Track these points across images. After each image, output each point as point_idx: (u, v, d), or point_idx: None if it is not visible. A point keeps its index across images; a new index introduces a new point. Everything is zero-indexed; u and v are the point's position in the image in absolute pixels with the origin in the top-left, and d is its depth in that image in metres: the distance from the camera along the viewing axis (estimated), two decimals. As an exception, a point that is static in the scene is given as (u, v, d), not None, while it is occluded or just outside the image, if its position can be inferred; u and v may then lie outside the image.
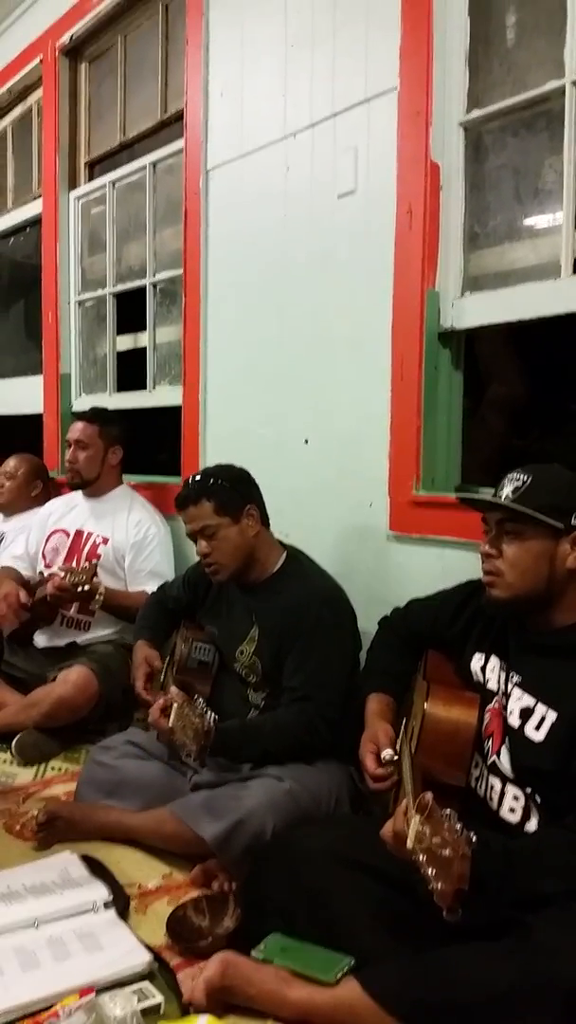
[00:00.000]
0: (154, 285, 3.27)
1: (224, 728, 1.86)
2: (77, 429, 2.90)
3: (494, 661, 1.61)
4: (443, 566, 2.08)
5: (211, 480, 2.07)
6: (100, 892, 1.68)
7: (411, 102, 2.11)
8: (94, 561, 2.63)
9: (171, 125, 3.20)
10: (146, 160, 3.27)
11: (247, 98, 2.65)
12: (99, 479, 2.91)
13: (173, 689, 1.93)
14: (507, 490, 1.50)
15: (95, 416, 2.94)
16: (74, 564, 2.70)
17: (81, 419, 2.93)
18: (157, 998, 1.38)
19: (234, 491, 2.06)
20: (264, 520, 2.11)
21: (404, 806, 1.32)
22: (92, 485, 2.92)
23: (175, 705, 1.83)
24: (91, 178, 3.74)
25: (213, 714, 1.82)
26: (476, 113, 2.05)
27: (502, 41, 2.03)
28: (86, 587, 2.50)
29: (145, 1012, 1.31)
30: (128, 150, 3.52)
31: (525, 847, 1.40)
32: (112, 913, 1.62)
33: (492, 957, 1.25)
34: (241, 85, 2.67)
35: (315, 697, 1.93)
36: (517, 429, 3.41)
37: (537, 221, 2.00)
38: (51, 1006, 1.34)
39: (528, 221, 2.02)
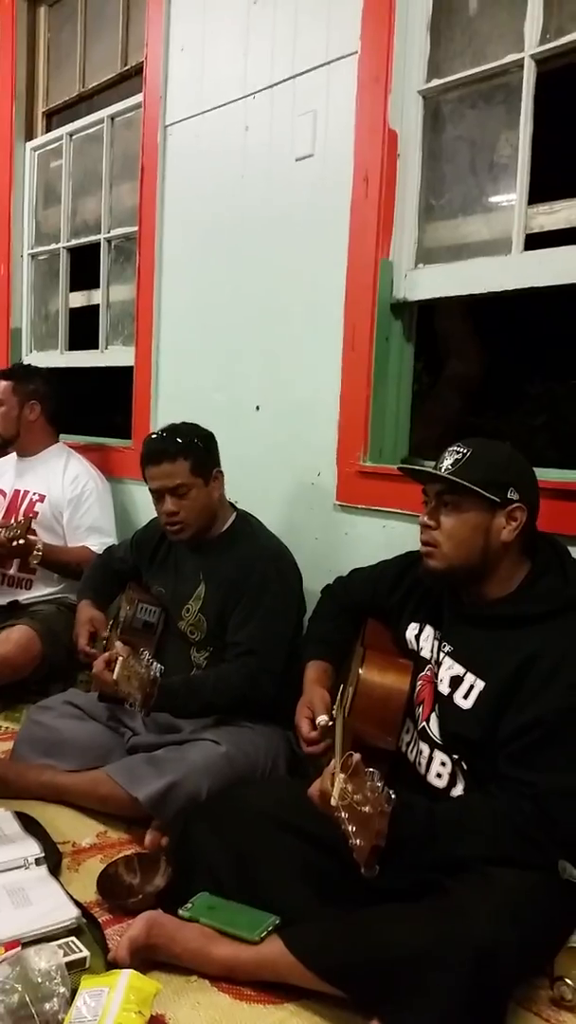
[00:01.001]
0: (108, 241, 3.22)
1: (168, 683, 1.86)
2: None
3: (428, 630, 1.64)
4: (387, 536, 2.10)
5: (188, 438, 2.04)
6: (32, 848, 1.68)
7: (371, 67, 2.09)
8: (29, 516, 2.60)
9: (131, 78, 3.13)
10: (104, 113, 3.20)
11: (208, 55, 2.60)
12: (21, 436, 2.86)
13: (118, 644, 1.92)
14: (447, 462, 1.52)
15: (11, 372, 2.89)
16: (11, 521, 2.67)
17: (0, 376, 2.88)
18: (83, 953, 1.40)
19: (207, 453, 2.06)
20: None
21: (332, 766, 1.35)
22: (19, 443, 2.87)
23: (120, 658, 1.82)
24: (48, 129, 3.65)
25: (159, 665, 1.82)
26: (436, 82, 2.04)
27: (464, 10, 2.01)
28: (21, 541, 2.47)
29: (70, 966, 1.33)
30: (87, 102, 3.44)
31: (448, 811, 1.44)
32: (43, 869, 1.63)
33: (409, 918, 1.29)
34: (202, 41, 2.61)
35: (259, 651, 1.95)
36: (473, 407, 3.44)
37: (491, 196, 2.00)
38: (-24, 960, 1.35)
39: (482, 195, 2.02)
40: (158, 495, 2.05)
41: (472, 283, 1.99)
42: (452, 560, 1.52)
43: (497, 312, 2.89)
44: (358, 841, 1.21)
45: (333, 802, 1.26)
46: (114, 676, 1.81)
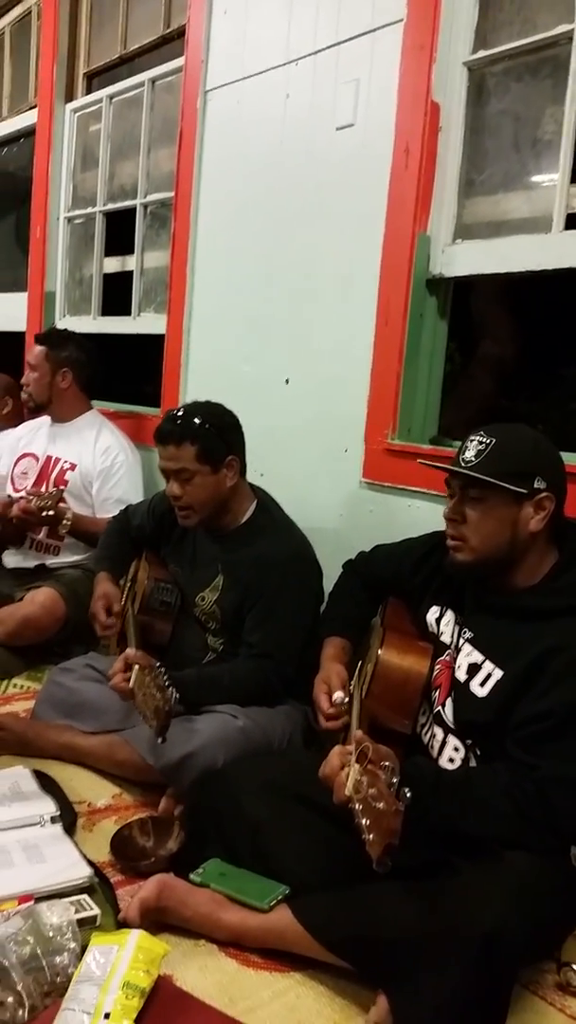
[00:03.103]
0: (145, 206, 3.20)
1: (183, 680, 1.84)
2: (30, 352, 2.87)
3: (449, 615, 1.63)
4: (412, 516, 2.09)
5: (199, 422, 1.95)
6: (48, 807, 1.71)
7: (417, 36, 2.04)
8: (60, 487, 2.62)
9: (173, 41, 3.10)
10: (145, 76, 3.17)
11: (251, 19, 2.56)
12: (52, 403, 2.86)
13: (131, 651, 1.89)
14: (470, 453, 1.48)
15: (45, 337, 2.89)
16: (42, 489, 2.68)
17: (36, 341, 2.89)
18: (94, 911, 1.42)
19: (220, 439, 1.97)
20: (242, 470, 2.05)
21: (341, 748, 1.36)
22: (50, 409, 2.88)
23: (136, 669, 1.79)
24: (89, 91, 3.62)
25: (174, 691, 1.75)
26: (482, 53, 1.99)
27: (515, -22, 1.96)
28: (51, 512, 2.49)
29: (81, 923, 1.35)
30: (128, 64, 3.41)
31: (455, 777, 1.46)
32: (58, 828, 1.66)
33: (420, 897, 1.30)
34: (246, 5, 2.57)
35: (274, 656, 1.94)
36: (505, 389, 3.39)
37: (533, 172, 1.96)
38: (-9, 911, 1.38)
39: (524, 171, 1.98)
40: (164, 475, 2.01)
41: (510, 261, 1.95)
42: (480, 553, 1.50)
43: (533, 293, 2.83)
44: (371, 836, 1.20)
45: (347, 792, 1.26)
46: (130, 685, 1.79)
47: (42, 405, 2.87)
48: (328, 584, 2.01)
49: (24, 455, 2.93)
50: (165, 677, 1.75)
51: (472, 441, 1.49)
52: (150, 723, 1.73)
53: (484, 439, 1.48)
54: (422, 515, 2.05)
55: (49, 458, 2.87)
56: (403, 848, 1.30)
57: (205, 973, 1.36)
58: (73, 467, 2.80)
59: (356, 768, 1.27)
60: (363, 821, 1.22)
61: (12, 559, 2.83)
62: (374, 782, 1.24)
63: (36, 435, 2.96)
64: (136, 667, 1.79)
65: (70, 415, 2.89)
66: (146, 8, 3.28)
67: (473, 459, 1.47)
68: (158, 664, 1.81)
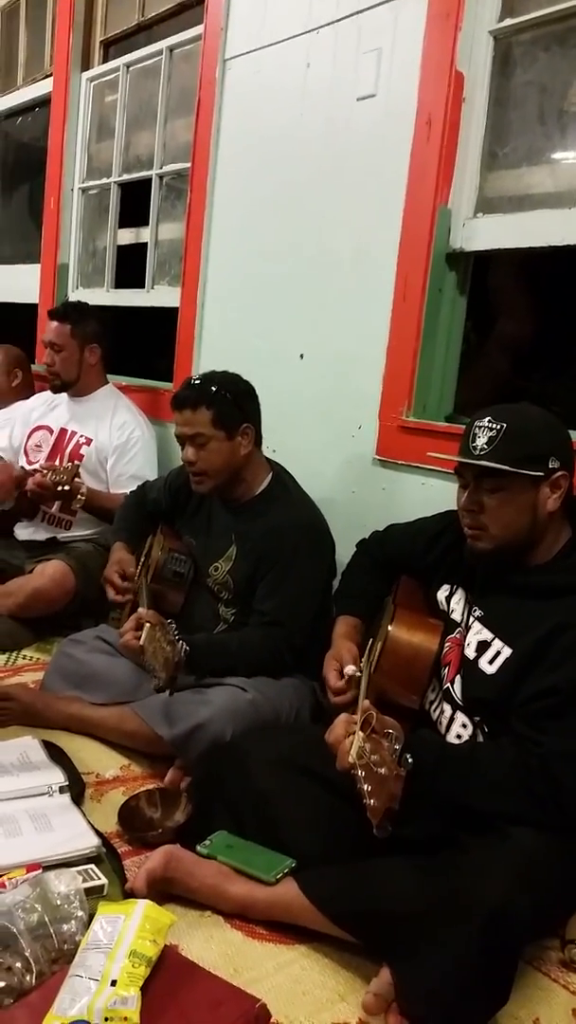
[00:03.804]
0: (160, 177, 3.17)
1: (192, 642, 1.86)
2: (51, 330, 2.79)
3: (460, 594, 1.62)
4: (425, 494, 2.07)
5: (215, 388, 1.97)
6: (56, 777, 1.72)
7: (442, 3, 2.00)
8: (76, 462, 2.61)
9: (191, 8, 3.05)
10: (163, 44, 3.12)
11: (272, -15, 2.51)
12: (79, 380, 2.84)
13: (143, 610, 1.91)
14: (481, 440, 1.44)
15: (67, 314, 2.81)
16: (57, 463, 2.67)
17: (53, 318, 2.81)
18: (101, 880, 1.43)
19: (236, 406, 1.99)
20: (257, 440, 2.06)
21: (347, 716, 1.37)
22: (74, 386, 2.86)
23: (147, 626, 1.80)
24: (105, 59, 3.58)
25: (184, 644, 1.80)
26: (508, 21, 1.95)
27: (544, -57, 1.92)
28: (66, 487, 2.48)
29: (88, 892, 1.35)
30: (145, 32, 3.36)
31: (460, 750, 1.45)
32: (66, 798, 1.67)
33: (425, 871, 1.30)
34: (267, -30, 2.53)
35: (284, 624, 1.94)
36: (521, 368, 3.35)
37: (559, 146, 1.92)
38: (-1, 877, 1.39)
39: (549, 145, 1.94)
40: (180, 441, 2.02)
41: (533, 235, 1.92)
42: (501, 540, 1.48)
43: (551, 271, 2.79)
44: (372, 801, 1.22)
45: (351, 759, 1.27)
46: (141, 642, 1.80)
47: (70, 383, 2.84)
48: (340, 561, 2.00)
49: (38, 427, 2.92)
50: (176, 632, 1.78)
51: (480, 428, 1.45)
52: (159, 675, 1.74)
53: (493, 424, 1.44)
54: (435, 493, 2.03)
55: (64, 431, 2.86)
56: (409, 822, 1.30)
57: (211, 944, 1.37)
58: (89, 442, 2.79)
59: (360, 735, 1.28)
60: (365, 787, 1.23)
61: (24, 531, 2.83)
62: (377, 749, 1.25)
63: (51, 408, 2.95)
64: (147, 624, 1.80)
65: (89, 390, 2.88)
66: (165, -26, 3.23)
67: (485, 447, 1.43)
68: (169, 620, 1.83)
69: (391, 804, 1.22)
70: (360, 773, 1.24)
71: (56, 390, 2.89)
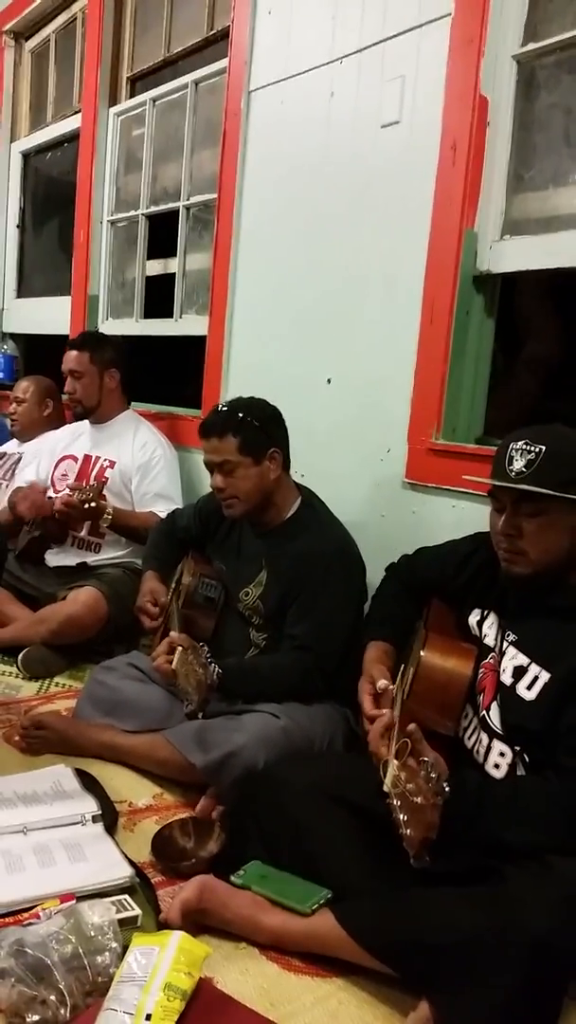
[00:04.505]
0: (187, 209, 3.21)
1: (224, 666, 1.85)
2: (70, 359, 2.85)
3: (492, 618, 1.60)
4: (456, 517, 2.06)
5: (241, 415, 1.99)
6: (90, 806, 1.71)
7: (465, 30, 2.02)
8: (102, 480, 2.64)
9: (216, 43, 3.10)
10: (188, 78, 3.18)
11: (295, 18, 2.55)
12: (101, 405, 2.88)
13: (175, 634, 1.92)
14: (519, 463, 1.42)
15: (84, 342, 2.89)
16: (83, 484, 2.71)
17: (71, 347, 2.88)
18: (135, 911, 1.42)
19: (262, 432, 2.00)
20: (286, 464, 2.07)
21: (384, 726, 1.36)
22: (96, 412, 2.89)
23: (179, 650, 1.81)
24: (132, 94, 3.65)
25: (216, 667, 1.80)
26: (532, 46, 1.96)
27: (566, -32, 1.93)
28: (93, 504, 2.51)
29: (122, 923, 1.34)
30: (171, 67, 3.43)
31: (500, 791, 1.42)
32: (99, 827, 1.66)
33: (465, 903, 1.27)
34: (290, 4, 2.56)
35: (315, 649, 1.93)
36: (551, 390, 3.33)
37: (585, 166, 1.92)
38: (32, 908, 1.38)
39: (575, 166, 1.93)
40: (209, 468, 2.04)
41: (561, 256, 1.91)
42: (539, 565, 1.46)
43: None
44: (408, 831, 1.20)
45: (386, 788, 1.25)
46: (173, 666, 1.81)
47: (92, 409, 2.89)
48: (371, 585, 1.99)
49: (64, 458, 2.97)
50: (208, 656, 1.78)
51: (517, 450, 1.43)
52: (191, 699, 1.74)
53: (531, 447, 1.42)
54: (466, 515, 2.01)
55: (88, 457, 2.90)
56: (449, 854, 1.27)
57: (246, 976, 1.35)
58: (112, 464, 2.82)
59: (394, 764, 1.26)
60: (400, 816, 1.21)
61: (54, 558, 2.86)
62: (412, 777, 1.24)
63: (75, 438, 3.00)
64: (179, 648, 1.80)
65: (110, 415, 2.92)
66: (189, 11, 3.29)
67: (524, 470, 1.41)
68: (201, 644, 1.83)
69: (428, 834, 1.21)
70: (395, 802, 1.22)
71: (79, 417, 2.94)
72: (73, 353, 2.85)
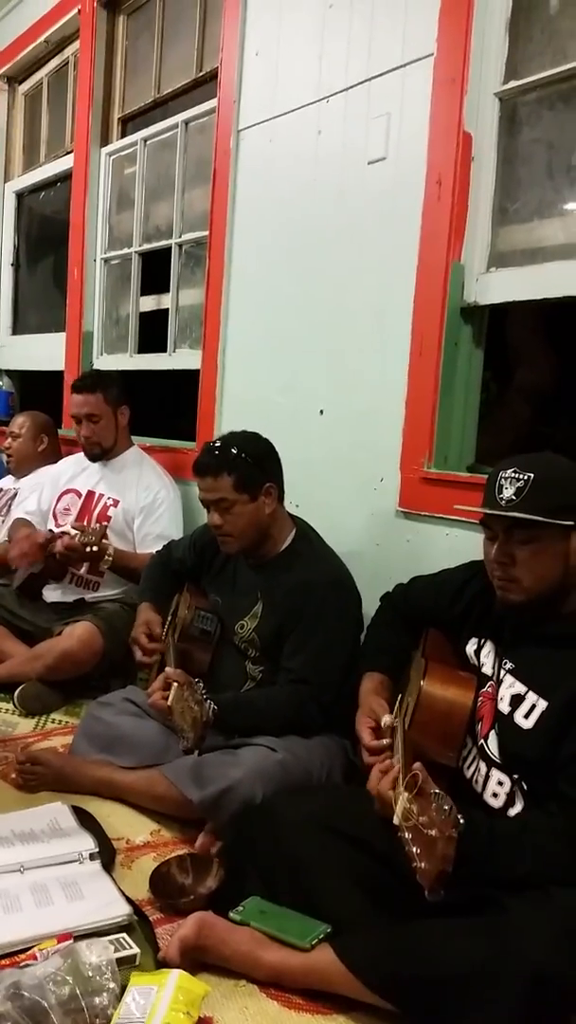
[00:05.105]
0: (179, 246, 3.25)
1: (220, 701, 1.85)
2: (86, 402, 2.82)
3: (489, 647, 1.60)
4: (450, 544, 2.06)
5: (235, 452, 1.99)
6: (87, 843, 1.70)
7: (447, 69, 2.06)
8: (104, 524, 2.64)
9: (205, 84, 3.16)
10: (178, 118, 3.23)
11: (282, 59, 2.60)
12: (116, 444, 2.90)
13: (170, 670, 1.92)
14: (509, 492, 1.43)
15: (95, 383, 2.87)
16: (85, 524, 2.70)
17: (81, 391, 2.84)
18: (133, 949, 1.40)
19: (257, 468, 2.01)
20: (280, 497, 2.08)
21: (391, 765, 1.33)
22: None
23: (175, 686, 1.81)
24: (123, 134, 3.71)
25: (212, 704, 1.80)
26: (513, 83, 2.00)
27: (545, 8, 1.97)
28: (95, 548, 2.51)
29: (121, 962, 1.33)
30: (161, 107, 3.49)
31: (509, 828, 1.40)
32: (97, 865, 1.65)
33: (465, 934, 1.26)
34: (277, 45, 2.62)
35: (311, 681, 1.93)
36: (544, 416, 3.36)
37: (568, 199, 1.95)
38: (29, 948, 1.37)
39: (559, 198, 1.97)
40: (205, 505, 2.04)
41: (546, 287, 1.94)
42: (533, 592, 1.46)
43: (569, 319, 2.81)
44: (423, 864, 1.17)
45: (396, 821, 1.23)
46: (168, 703, 1.81)
47: (109, 450, 2.89)
48: (367, 614, 1.99)
49: (67, 491, 2.96)
50: (203, 692, 1.77)
51: (506, 478, 1.44)
52: (186, 736, 1.74)
53: (520, 475, 1.43)
54: (460, 543, 2.02)
55: (92, 494, 2.89)
56: (450, 886, 1.26)
57: (246, 1015, 1.33)
58: (116, 503, 2.83)
59: (405, 796, 1.24)
60: (414, 849, 1.19)
61: (52, 594, 2.85)
62: (424, 810, 1.21)
63: (79, 472, 2.99)
64: (175, 684, 1.80)
65: (118, 452, 2.93)
66: (179, 53, 3.36)
67: (514, 498, 1.42)
68: (196, 680, 1.83)
69: (444, 867, 1.18)
70: (407, 835, 1.20)
71: (95, 458, 2.92)
72: (87, 396, 2.82)
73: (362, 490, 2.32)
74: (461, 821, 1.24)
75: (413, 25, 2.16)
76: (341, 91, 2.38)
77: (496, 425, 2.97)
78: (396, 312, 2.20)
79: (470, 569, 1.71)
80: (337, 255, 2.41)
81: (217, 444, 2.05)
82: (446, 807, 1.22)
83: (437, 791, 1.25)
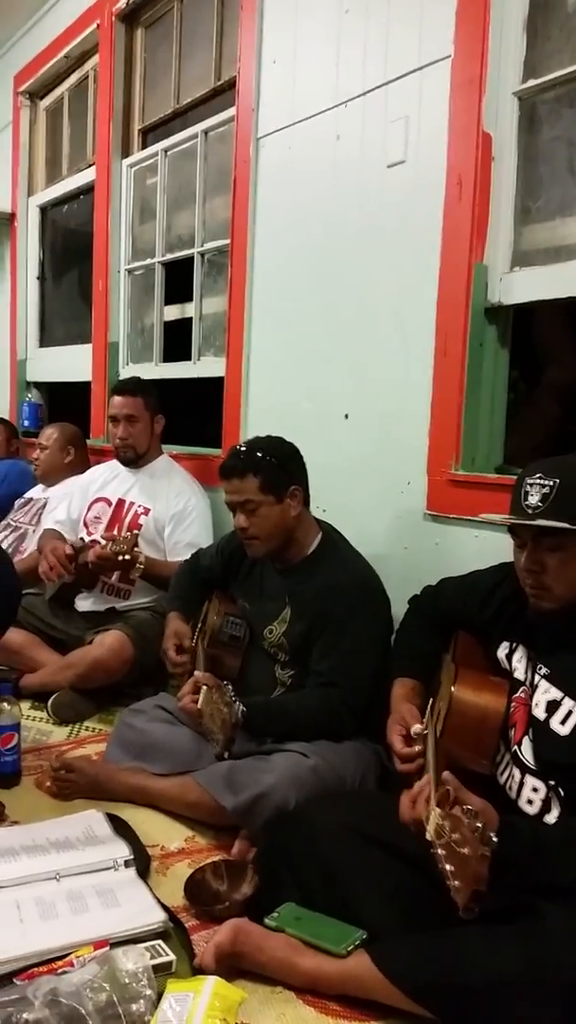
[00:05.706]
0: (202, 255, 3.27)
1: (249, 704, 1.86)
2: (126, 404, 2.87)
3: (521, 651, 1.58)
4: (479, 546, 2.05)
5: (260, 455, 2.02)
6: (122, 850, 1.71)
7: (465, 70, 2.06)
8: (135, 531, 2.65)
9: (224, 93, 3.18)
10: (198, 128, 3.26)
11: (300, 66, 2.61)
12: (149, 450, 2.93)
13: (199, 673, 1.93)
14: (534, 498, 1.41)
15: (137, 387, 2.93)
16: (116, 533, 2.72)
17: (123, 393, 2.91)
18: (169, 956, 1.40)
19: (282, 470, 2.03)
20: (306, 501, 2.09)
21: (422, 788, 1.31)
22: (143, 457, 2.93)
23: (204, 689, 1.83)
24: (144, 146, 3.74)
25: (241, 705, 1.81)
26: (531, 82, 1.99)
27: (563, 6, 1.96)
28: (126, 556, 2.52)
29: (157, 969, 1.33)
30: (181, 118, 3.51)
31: (553, 835, 1.38)
32: (132, 872, 1.65)
33: (502, 942, 1.24)
34: (294, 53, 2.63)
35: (341, 684, 1.92)
36: (573, 415, 3.33)
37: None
38: (66, 955, 1.38)
39: (581, 195, 1.96)
40: (231, 508, 2.06)
41: (571, 285, 1.92)
42: (566, 599, 1.44)
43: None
44: (456, 882, 1.16)
45: (429, 837, 1.22)
46: (199, 705, 1.82)
47: (142, 455, 2.93)
48: (396, 617, 1.98)
49: (98, 499, 2.99)
50: (232, 694, 1.78)
51: (532, 484, 1.42)
52: (216, 738, 1.75)
53: (545, 480, 1.41)
54: (489, 545, 2.01)
55: (122, 502, 2.92)
56: (484, 896, 1.25)
57: (283, 1021, 1.33)
58: (147, 511, 2.84)
59: (436, 812, 1.23)
60: (447, 867, 1.17)
61: (84, 603, 2.87)
62: (457, 827, 1.19)
63: (110, 480, 3.01)
64: (204, 687, 1.81)
65: (149, 460, 2.95)
66: (197, 63, 3.38)
67: (540, 504, 1.40)
68: (226, 683, 1.83)
69: (477, 886, 1.16)
70: (441, 852, 1.19)
71: (128, 462, 2.94)
72: (129, 399, 2.88)
73: (389, 493, 2.31)
74: (494, 839, 1.21)
75: (429, 27, 2.16)
76: (359, 96, 2.38)
77: (525, 424, 2.95)
78: (419, 314, 2.19)
79: (500, 571, 1.69)
80: (358, 259, 2.41)
81: (243, 447, 2.07)
82: (479, 824, 1.20)
83: (469, 807, 1.23)
